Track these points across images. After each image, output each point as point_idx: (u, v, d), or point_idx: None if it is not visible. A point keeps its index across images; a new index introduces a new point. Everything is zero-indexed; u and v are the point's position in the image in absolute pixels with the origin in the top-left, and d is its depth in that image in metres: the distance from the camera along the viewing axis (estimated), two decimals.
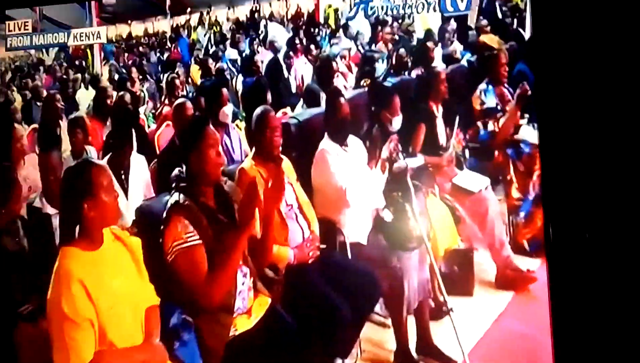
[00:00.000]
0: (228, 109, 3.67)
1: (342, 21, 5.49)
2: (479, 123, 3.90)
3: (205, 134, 2.58)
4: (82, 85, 5.18)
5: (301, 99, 3.97)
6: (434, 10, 3.94)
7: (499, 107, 3.87)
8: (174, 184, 2.64)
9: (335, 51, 5.16)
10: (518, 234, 3.57)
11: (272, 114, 3.05)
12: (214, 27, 6.20)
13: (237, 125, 3.79)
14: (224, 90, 3.70)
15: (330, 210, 3.20)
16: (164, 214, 2.56)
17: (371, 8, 4.03)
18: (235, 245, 2.45)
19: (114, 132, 3.55)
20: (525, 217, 3.51)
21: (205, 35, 6.03)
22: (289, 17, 6.10)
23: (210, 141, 2.57)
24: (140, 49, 6.17)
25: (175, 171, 2.68)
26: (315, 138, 3.33)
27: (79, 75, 5.35)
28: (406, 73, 4.39)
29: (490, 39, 4.45)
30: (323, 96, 4.04)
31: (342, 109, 3.27)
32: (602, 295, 2.89)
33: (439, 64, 4.48)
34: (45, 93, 4.85)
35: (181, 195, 2.56)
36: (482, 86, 3.96)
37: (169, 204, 2.57)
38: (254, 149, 3.09)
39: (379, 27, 5.26)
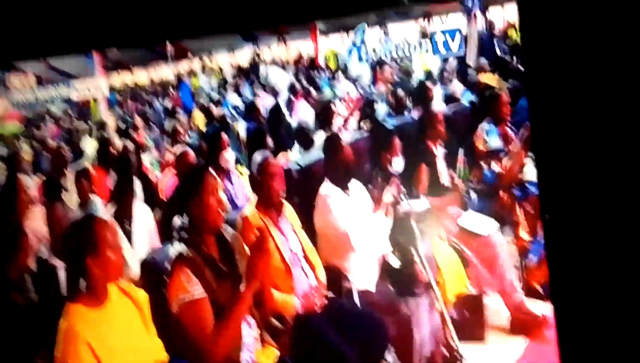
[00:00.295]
0: (229, 154, 3.63)
1: (344, 64, 5.51)
2: (483, 163, 3.85)
3: (204, 181, 2.53)
4: (88, 134, 5.18)
5: (295, 141, 3.93)
6: (426, 52, 3.96)
7: (502, 147, 3.83)
8: (175, 235, 2.56)
9: (335, 93, 5.16)
10: (530, 277, 3.50)
11: (271, 161, 3.00)
12: (216, 73, 6.23)
13: (239, 170, 3.73)
14: (224, 135, 3.65)
15: (335, 256, 3.12)
16: (168, 267, 2.48)
17: (366, 52, 4.03)
18: (241, 298, 2.40)
19: (116, 182, 3.50)
20: (536, 259, 3.42)
21: (206, 81, 6.05)
22: (290, 61, 6.14)
23: (209, 188, 2.52)
24: (144, 96, 6.20)
25: (177, 221, 2.61)
26: (317, 182, 3.27)
27: (85, 125, 5.35)
28: (406, 114, 4.37)
29: (490, 78, 4.45)
30: (319, 136, 4.00)
31: (342, 153, 3.21)
32: (613, 337, 2.78)
33: (437, 104, 4.47)
34: (52, 143, 4.84)
35: (183, 246, 2.50)
36: (485, 125, 3.94)
37: (172, 256, 2.49)
38: (255, 196, 3.01)
39: (378, 69, 5.27)
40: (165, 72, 5.76)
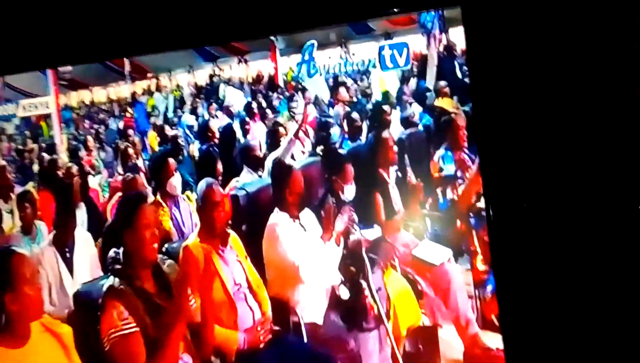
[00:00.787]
0: (175, 180, 3.45)
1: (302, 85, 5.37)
2: (438, 191, 3.74)
3: (139, 212, 2.38)
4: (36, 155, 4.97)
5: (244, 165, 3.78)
6: (374, 67, 3.93)
7: (458, 174, 3.72)
8: (109, 267, 2.40)
9: (292, 115, 5.03)
10: (486, 309, 3.35)
11: (215, 188, 2.85)
12: (174, 92, 6.05)
13: (187, 196, 3.56)
14: (171, 160, 3.48)
15: (283, 288, 2.97)
16: (100, 300, 2.32)
17: (313, 66, 3.91)
18: (172, 330, 2.30)
19: (56, 207, 3.30)
20: (492, 291, 3.30)
21: (163, 100, 5.86)
22: (248, 81, 5.98)
23: (144, 221, 2.38)
24: (100, 115, 5.99)
25: (111, 253, 2.46)
26: (266, 209, 3.12)
27: (35, 145, 5.14)
28: (362, 138, 4.24)
29: (447, 102, 4.35)
30: (269, 159, 3.86)
31: (292, 180, 3.07)
32: None
33: (394, 128, 4.35)
34: None
35: (116, 279, 2.36)
36: (440, 151, 3.83)
37: (103, 289, 2.33)
38: (198, 224, 2.85)
39: (337, 90, 5.14)
40: (124, 90, 5.54)
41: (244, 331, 2.72)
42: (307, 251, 3.00)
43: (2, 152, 4.95)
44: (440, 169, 3.71)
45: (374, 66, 4.11)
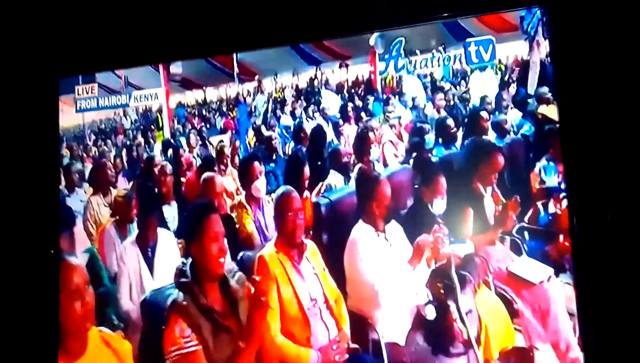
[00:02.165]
0: (260, 183, 3.13)
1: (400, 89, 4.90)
2: (539, 204, 3.18)
3: (206, 224, 2.05)
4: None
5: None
6: (460, 63, 3.53)
7: (562, 186, 3.14)
8: (175, 279, 2.08)
9: (387, 118, 4.57)
10: None
11: (293, 196, 2.52)
12: (278, 94, 5.77)
13: (273, 199, 3.21)
14: (256, 163, 3.15)
15: (363, 304, 2.54)
16: (165, 313, 2.00)
17: (401, 64, 3.59)
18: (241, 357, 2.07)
19: (139, 205, 3.04)
20: None
21: (265, 102, 5.58)
22: (349, 84, 5.59)
23: (211, 234, 2.07)
24: (207, 113, 5.78)
25: (179, 264, 2.13)
26: (349, 219, 2.71)
27: (143, 139, 4.96)
28: (457, 145, 3.73)
29: (551, 110, 3.76)
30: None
31: (378, 190, 2.64)
32: None
33: (491, 136, 3.81)
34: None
35: (180, 293, 2.02)
36: (542, 162, 3.26)
37: (168, 302, 2.01)
38: (276, 233, 2.48)
39: (435, 94, 4.63)
40: (234, 91, 5.29)
41: (318, 349, 2.35)
42: (391, 270, 2.54)
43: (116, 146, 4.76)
44: (542, 181, 3.15)
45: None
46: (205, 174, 3.17)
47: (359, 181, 2.82)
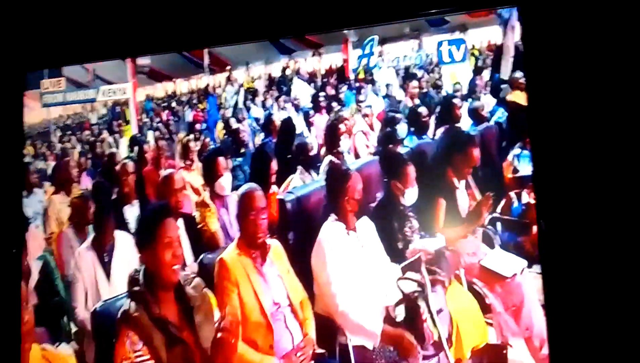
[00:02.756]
0: (225, 180, 2.95)
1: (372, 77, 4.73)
2: (512, 194, 3.04)
3: (159, 229, 1.86)
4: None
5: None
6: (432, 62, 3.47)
7: None
8: (127, 287, 1.90)
9: (359, 108, 4.40)
10: None
11: (256, 194, 2.33)
12: (249, 84, 5.55)
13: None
14: (220, 159, 2.98)
15: (330, 307, 2.39)
16: (116, 325, 1.84)
17: (372, 62, 3.51)
18: None
19: (95, 207, 2.85)
20: None
21: (235, 93, 5.37)
22: (321, 73, 5.39)
23: (164, 240, 1.87)
24: (176, 106, 5.55)
25: (131, 271, 1.96)
26: (317, 216, 2.54)
27: (107, 135, 4.73)
28: (428, 135, 3.57)
29: (521, 96, 3.62)
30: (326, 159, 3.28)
31: (349, 186, 2.48)
32: None
33: (464, 122, 3.67)
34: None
35: (132, 303, 1.84)
36: (516, 150, 3.12)
37: (119, 314, 1.84)
38: (238, 234, 2.31)
39: (407, 82, 4.46)
40: (204, 82, 5.07)
41: (281, 357, 2.15)
42: (361, 271, 2.37)
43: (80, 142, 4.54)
44: (515, 170, 3.01)
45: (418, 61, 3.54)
46: (165, 171, 2.96)
47: (328, 175, 2.65)
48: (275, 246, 2.39)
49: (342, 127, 3.47)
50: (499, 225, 3.16)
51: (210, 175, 3.02)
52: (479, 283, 2.88)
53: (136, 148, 4.00)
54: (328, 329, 2.41)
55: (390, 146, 3.20)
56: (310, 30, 3.68)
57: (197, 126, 4.55)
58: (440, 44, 3.36)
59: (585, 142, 2.33)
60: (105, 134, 4.59)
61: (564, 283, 2.38)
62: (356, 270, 2.45)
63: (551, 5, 2.37)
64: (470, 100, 4.10)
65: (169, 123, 4.99)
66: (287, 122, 3.81)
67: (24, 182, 3.22)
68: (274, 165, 3.17)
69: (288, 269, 2.39)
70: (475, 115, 3.63)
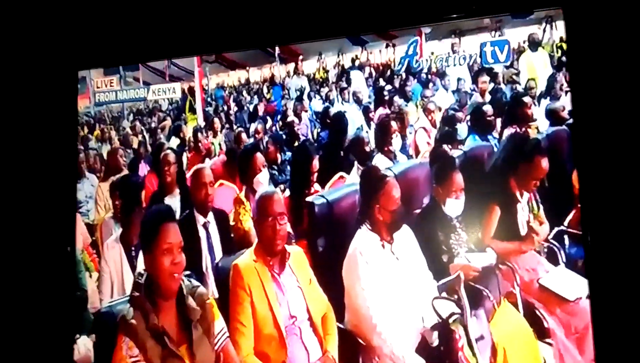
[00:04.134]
0: (262, 176, 2.74)
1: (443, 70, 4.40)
2: None
3: (159, 234, 1.69)
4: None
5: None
6: (475, 63, 3.18)
7: None
8: (130, 291, 1.76)
9: (423, 103, 4.09)
10: None
11: (275, 198, 2.12)
12: (320, 74, 5.35)
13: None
14: (258, 155, 2.76)
15: (360, 325, 2.13)
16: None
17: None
18: None
19: (122, 202, 2.73)
20: None
21: (300, 84, 5.18)
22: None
23: (163, 246, 1.70)
24: (243, 95, 5.44)
25: (137, 273, 1.80)
26: (350, 222, 2.29)
27: (167, 122, 4.67)
28: (493, 135, 3.21)
29: None
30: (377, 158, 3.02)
31: (383, 195, 2.20)
32: None
33: (541, 123, 3.28)
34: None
35: (131, 309, 1.67)
36: None
37: (118, 317, 1.69)
38: (256, 239, 2.10)
39: (477, 76, 4.08)
40: (276, 72, 4.94)
41: None
42: (396, 287, 2.11)
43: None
44: None
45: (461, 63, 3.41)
46: (196, 166, 2.80)
47: (363, 179, 2.39)
48: (296, 253, 2.17)
49: (393, 124, 3.18)
50: (566, 239, 2.77)
51: (247, 171, 2.82)
52: (537, 304, 2.52)
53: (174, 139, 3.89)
54: (355, 349, 2.15)
55: (443, 147, 2.89)
56: (390, 26, 3.51)
57: (260, 116, 4.39)
58: (483, 45, 3.16)
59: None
60: (167, 121, 4.52)
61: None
62: (390, 286, 2.17)
63: (596, 6, 2.23)
64: (548, 99, 3.68)
65: (230, 113, 4.87)
66: (339, 117, 3.56)
67: (76, 182, 3.13)
68: (316, 163, 2.94)
69: (310, 279, 2.16)
70: (554, 116, 3.22)
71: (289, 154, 3.50)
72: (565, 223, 2.75)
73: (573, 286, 2.50)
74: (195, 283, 1.91)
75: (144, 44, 3.09)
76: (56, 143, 3.05)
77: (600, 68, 2.24)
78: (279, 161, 3.20)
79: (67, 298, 2.69)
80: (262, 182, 2.82)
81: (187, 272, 2.22)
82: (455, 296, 2.16)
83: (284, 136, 3.87)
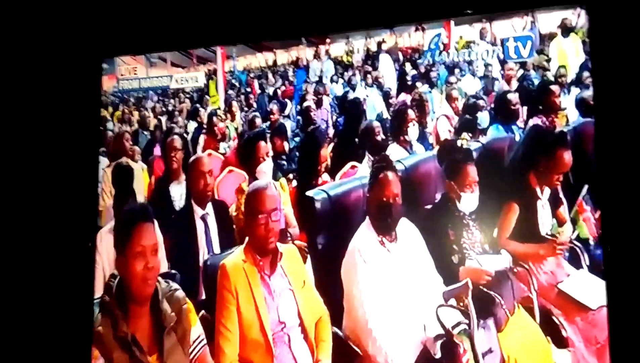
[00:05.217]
0: (266, 166, 2.54)
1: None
2: None
3: (132, 236, 1.50)
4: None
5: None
6: (498, 59, 2.98)
7: None
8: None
9: (445, 90, 3.81)
10: None
11: (267, 193, 1.90)
12: (348, 57, 5.10)
13: (281, 184, 2.61)
14: (262, 143, 2.57)
15: (357, 332, 1.92)
16: None
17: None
18: None
19: (115, 192, 2.56)
20: None
21: (320, 69, 4.94)
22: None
23: (136, 248, 1.50)
24: (263, 79, 5.23)
25: (108, 276, 1.63)
26: (355, 219, 2.07)
27: (185, 105, 4.49)
28: (518, 125, 2.94)
29: None
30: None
31: (387, 186, 1.96)
32: None
33: (571, 115, 3.00)
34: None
35: (99, 316, 1.50)
36: None
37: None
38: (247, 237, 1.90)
39: (504, 63, 3.78)
40: (303, 54, 4.74)
41: None
42: (396, 291, 1.88)
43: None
44: None
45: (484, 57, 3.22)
46: (193, 156, 2.61)
47: (372, 173, 2.15)
48: (289, 253, 1.96)
49: (410, 113, 2.93)
50: (590, 240, 2.50)
51: (250, 160, 2.61)
52: (555, 310, 2.27)
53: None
54: (351, 359, 1.94)
55: (452, 139, 2.64)
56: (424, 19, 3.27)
57: (278, 99, 4.20)
58: (506, 40, 2.97)
59: None
60: (185, 104, 4.35)
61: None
62: (391, 289, 1.95)
63: (619, 4, 2.08)
64: (579, 88, 3.37)
65: (249, 97, 4.67)
66: (355, 103, 3.31)
67: (97, 186, 2.97)
68: (325, 152, 2.72)
69: (304, 280, 1.96)
70: (584, 106, 2.93)
71: (296, 140, 3.33)
72: (593, 221, 2.48)
73: (595, 292, 2.24)
74: (174, 285, 1.73)
75: (168, 32, 2.97)
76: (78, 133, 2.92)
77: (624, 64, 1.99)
78: (287, 150, 2.99)
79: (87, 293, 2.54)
80: (265, 171, 2.62)
81: (173, 272, 2.05)
82: (462, 305, 1.92)
83: (300, 121, 3.66)
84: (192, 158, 2.61)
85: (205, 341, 1.75)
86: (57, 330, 2.58)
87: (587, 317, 2.24)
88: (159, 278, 1.71)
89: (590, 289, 2.29)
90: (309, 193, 2.17)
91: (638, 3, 2.08)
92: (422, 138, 3.12)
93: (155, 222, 1.80)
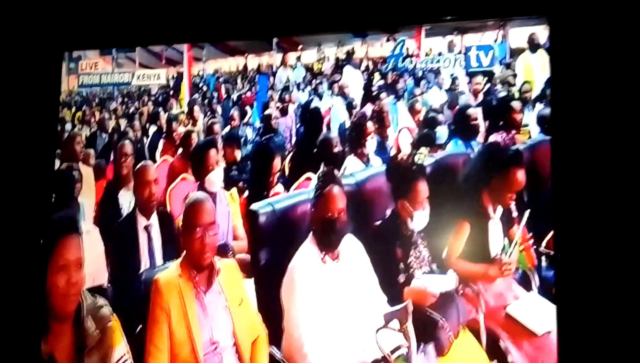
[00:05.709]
0: (215, 175, 2.46)
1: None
2: None
3: (57, 249, 1.42)
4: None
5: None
6: (460, 66, 2.97)
7: None
8: None
9: (411, 103, 3.77)
10: None
11: (205, 206, 1.80)
12: (318, 65, 5.03)
13: (231, 195, 2.54)
14: (212, 151, 2.49)
15: (294, 351, 1.85)
16: None
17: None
18: None
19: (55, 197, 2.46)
20: None
21: (287, 76, 4.88)
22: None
23: (60, 262, 1.42)
24: (229, 84, 5.15)
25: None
26: (301, 235, 2.00)
27: (146, 108, 4.38)
28: (477, 141, 2.91)
29: None
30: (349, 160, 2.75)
31: (331, 200, 1.90)
32: None
33: (534, 132, 2.99)
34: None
35: None
36: None
37: None
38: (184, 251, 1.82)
39: (472, 76, 3.75)
40: (273, 60, 4.68)
41: None
42: (336, 312, 1.81)
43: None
44: None
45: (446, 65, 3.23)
46: (140, 163, 2.52)
47: (318, 185, 2.08)
48: (228, 268, 1.88)
49: (370, 125, 2.88)
50: (543, 261, 2.46)
51: (200, 169, 2.53)
52: (503, 334, 2.23)
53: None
54: None
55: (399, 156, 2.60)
56: (391, 26, 3.29)
57: (241, 105, 4.13)
58: (469, 49, 3.00)
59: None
60: (146, 107, 4.25)
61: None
62: (330, 310, 1.88)
63: (581, 15, 2.05)
64: (542, 104, 3.35)
65: (213, 102, 4.59)
66: (314, 113, 3.26)
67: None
68: (277, 163, 2.66)
69: (242, 298, 1.88)
70: (546, 123, 2.91)
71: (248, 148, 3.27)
72: (543, 244, 2.45)
73: (543, 317, 2.20)
74: (100, 301, 1.64)
75: (138, 28, 2.88)
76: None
77: (584, 80, 1.95)
78: (238, 159, 2.91)
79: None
80: (214, 181, 2.54)
81: (105, 286, 1.97)
82: (403, 327, 1.86)
83: (261, 129, 3.60)
84: (137, 166, 2.52)
85: (129, 361, 1.67)
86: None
87: (534, 342, 2.20)
88: (86, 293, 1.63)
89: (537, 313, 2.25)
90: (253, 206, 2.09)
91: (600, 15, 2.05)
92: (383, 151, 3.07)
93: (88, 233, 1.72)
